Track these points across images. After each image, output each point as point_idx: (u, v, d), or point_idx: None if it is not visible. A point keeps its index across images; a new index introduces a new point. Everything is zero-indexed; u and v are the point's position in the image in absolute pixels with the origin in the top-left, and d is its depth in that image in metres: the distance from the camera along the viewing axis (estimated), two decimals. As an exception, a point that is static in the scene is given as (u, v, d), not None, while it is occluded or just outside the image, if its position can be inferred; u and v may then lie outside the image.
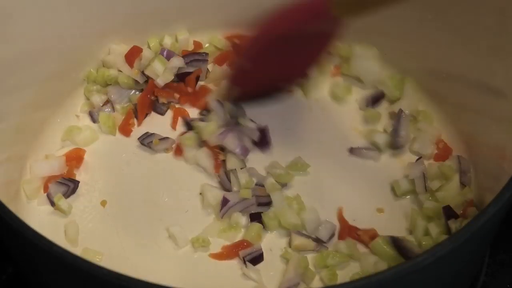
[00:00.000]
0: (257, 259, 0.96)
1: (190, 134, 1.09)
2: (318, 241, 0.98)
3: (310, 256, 0.97)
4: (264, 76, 1.04)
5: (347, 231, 0.99)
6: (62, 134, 1.11)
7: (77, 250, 0.98)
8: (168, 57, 1.14)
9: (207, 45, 1.21)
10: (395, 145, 1.08)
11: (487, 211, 0.69)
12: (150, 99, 1.13)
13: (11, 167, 1.01)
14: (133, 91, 1.15)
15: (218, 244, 0.99)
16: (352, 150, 1.09)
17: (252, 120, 1.10)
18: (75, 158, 1.07)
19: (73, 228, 0.99)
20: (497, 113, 0.97)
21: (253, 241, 0.98)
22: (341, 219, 1.01)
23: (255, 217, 1.00)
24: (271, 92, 1.12)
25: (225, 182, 1.04)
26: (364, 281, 0.64)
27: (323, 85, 1.17)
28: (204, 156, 1.06)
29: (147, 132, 1.11)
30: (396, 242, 0.95)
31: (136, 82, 1.14)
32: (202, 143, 1.07)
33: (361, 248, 0.98)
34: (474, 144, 1.04)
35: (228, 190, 1.03)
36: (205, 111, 1.12)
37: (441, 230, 0.96)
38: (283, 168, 1.05)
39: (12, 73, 0.98)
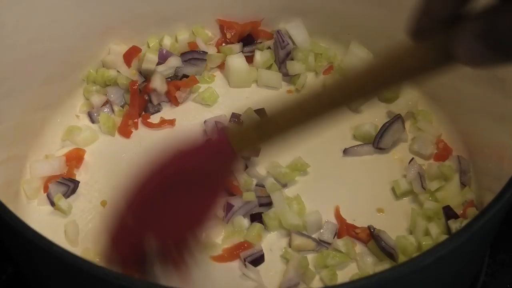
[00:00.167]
0: (258, 260, 0.97)
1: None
2: (318, 241, 0.98)
3: (310, 256, 0.97)
4: (152, 231, 0.80)
5: (345, 229, 0.99)
6: (62, 134, 1.11)
7: (77, 250, 0.98)
8: (166, 58, 1.14)
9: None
10: (375, 145, 1.08)
11: (487, 211, 0.69)
12: (144, 99, 1.14)
13: (11, 167, 1.01)
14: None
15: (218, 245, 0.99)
16: (346, 151, 1.09)
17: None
18: (75, 158, 1.07)
19: (73, 228, 0.99)
20: (497, 113, 0.97)
21: (254, 241, 0.98)
22: (339, 217, 1.01)
23: (256, 217, 1.00)
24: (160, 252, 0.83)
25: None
26: (364, 281, 0.64)
27: (318, 83, 1.18)
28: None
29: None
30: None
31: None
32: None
33: (361, 248, 0.98)
34: (474, 144, 1.04)
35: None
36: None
37: (441, 230, 0.96)
38: (283, 168, 1.05)
39: (12, 73, 0.98)
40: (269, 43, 1.20)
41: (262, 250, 0.97)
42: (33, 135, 1.07)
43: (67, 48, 1.08)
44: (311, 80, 1.19)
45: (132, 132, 1.12)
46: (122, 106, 1.14)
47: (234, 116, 1.11)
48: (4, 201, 0.72)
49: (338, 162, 1.08)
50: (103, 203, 1.04)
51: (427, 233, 0.97)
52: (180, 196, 0.79)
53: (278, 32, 1.18)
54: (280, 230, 1.00)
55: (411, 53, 0.63)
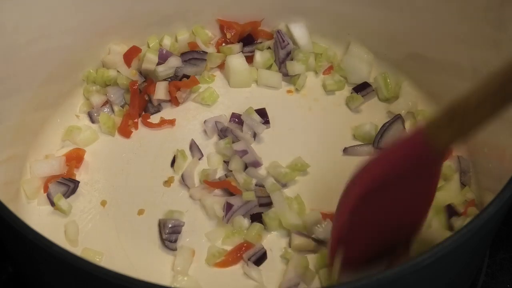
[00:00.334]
0: (261, 259, 0.97)
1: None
2: (318, 241, 0.98)
3: (310, 256, 0.97)
4: (374, 233, 0.85)
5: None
6: (62, 134, 1.11)
7: (77, 250, 0.98)
8: (166, 58, 1.14)
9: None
10: (375, 145, 1.09)
11: (487, 211, 0.69)
12: (144, 99, 1.14)
13: (11, 167, 1.01)
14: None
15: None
16: (346, 150, 1.09)
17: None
18: (75, 158, 1.07)
19: (73, 228, 1.00)
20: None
21: (254, 241, 0.98)
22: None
23: (256, 217, 1.00)
24: (383, 253, 0.87)
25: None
26: (364, 281, 0.64)
27: (318, 82, 1.19)
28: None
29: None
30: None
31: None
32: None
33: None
34: (474, 144, 1.04)
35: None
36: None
37: (442, 227, 0.96)
38: (283, 168, 1.05)
39: (12, 73, 0.98)
40: (269, 43, 1.20)
41: (263, 248, 0.97)
42: (33, 135, 1.07)
43: (67, 48, 1.08)
44: (311, 80, 1.19)
45: (132, 132, 1.12)
46: (122, 106, 1.14)
47: (234, 116, 1.12)
48: (4, 201, 0.72)
49: (338, 162, 1.08)
50: (103, 203, 1.04)
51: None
52: (391, 207, 0.81)
53: (278, 32, 1.18)
54: (280, 230, 1.00)
55: None
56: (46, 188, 1.03)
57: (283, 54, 1.17)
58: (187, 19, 1.19)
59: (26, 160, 1.05)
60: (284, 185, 1.05)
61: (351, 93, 1.16)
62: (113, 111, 1.14)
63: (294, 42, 1.19)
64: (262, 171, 1.06)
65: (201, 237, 0.99)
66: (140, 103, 1.13)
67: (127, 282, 0.64)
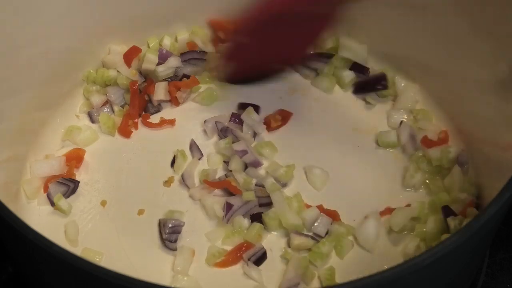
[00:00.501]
0: (261, 259, 0.97)
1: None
2: (317, 239, 0.98)
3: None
4: (260, 54, 1.03)
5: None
6: (62, 134, 1.11)
7: (77, 250, 0.98)
8: (166, 58, 1.14)
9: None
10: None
11: (487, 211, 0.69)
12: (144, 99, 1.14)
13: (11, 167, 1.01)
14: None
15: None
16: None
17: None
18: (75, 158, 1.07)
19: (73, 228, 1.00)
20: (497, 113, 0.97)
21: (254, 241, 0.98)
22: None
23: (256, 217, 1.00)
24: (266, 72, 1.11)
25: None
26: (364, 281, 0.64)
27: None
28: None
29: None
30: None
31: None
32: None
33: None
34: (474, 144, 1.04)
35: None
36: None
37: (438, 227, 0.97)
38: (283, 168, 1.05)
39: (13, 74, 0.98)
40: None
41: (263, 248, 0.97)
42: (33, 135, 1.07)
43: (67, 49, 1.08)
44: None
45: (132, 132, 1.12)
46: (122, 106, 1.14)
47: (234, 116, 1.12)
48: (4, 201, 0.72)
49: (338, 162, 1.08)
50: (103, 203, 1.04)
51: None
52: (284, 27, 0.94)
53: None
54: (280, 230, 1.00)
55: None
56: (46, 188, 1.04)
57: None
58: (187, 19, 1.19)
59: (26, 160, 1.05)
60: (284, 185, 1.05)
61: (354, 93, 1.17)
62: (113, 111, 1.14)
63: None
64: (262, 171, 1.06)
65: (201, 237, 0.99)
66: (140, 103, 1.13)
67: (127, 282, 0.64)
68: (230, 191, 1.02)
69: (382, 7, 1.11)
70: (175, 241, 0.98)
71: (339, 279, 0.95)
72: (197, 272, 0.96)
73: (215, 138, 1.11)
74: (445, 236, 0.95)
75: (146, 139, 1.12)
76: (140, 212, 1.02)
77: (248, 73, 1.09)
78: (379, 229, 0.99)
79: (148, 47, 1.18)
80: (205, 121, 1.12)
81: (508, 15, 0.93)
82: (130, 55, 1.15)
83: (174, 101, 1.15)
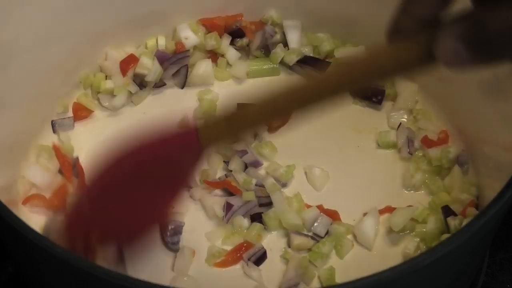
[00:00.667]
0: (261, 259, 0.97)
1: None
2: (317, 238, 0.98)
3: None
4: (110, 220, 0.82)
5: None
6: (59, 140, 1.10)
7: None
8: (160, 58, 1.14)
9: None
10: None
11: (487, 211, 0.69)
12: None
13: (10, 168, 1.01)
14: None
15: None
16: None
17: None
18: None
19: None
20: (497, 112, 0.97)
21: (254, 241, 0.98)
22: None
23: (256, 217, 1.00)
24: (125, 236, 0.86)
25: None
26: (364, 281, 0.64)
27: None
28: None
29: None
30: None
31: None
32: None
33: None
34: (474, 144, 1.04)
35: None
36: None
37: (438, 227, 0.96)
38: (283, 168, 1.05)
39: (5, 84, 0.98)
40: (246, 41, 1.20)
41: (263, 248, 0.97)
42: (33, 135, 1.07)
43: (63, 53, 1.08)
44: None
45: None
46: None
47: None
48: (4, 201, 0.72)
49: (338, 162, 1.08)
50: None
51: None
52: (141, 186, 0.81)
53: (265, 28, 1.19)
54: (280, 230, 1.00)
55: (390, 52, 0.65)
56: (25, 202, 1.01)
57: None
58: (187, 19, 1.19)
59: (25, 161, 1.05)
60: (284, 185, 1.05)
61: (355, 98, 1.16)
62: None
63: (284, 40, 1.20)
64: (262, 171, 1.06)
65: (201, 237, 0.99)
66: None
67: (127, 282, 0.64)
68: (230, 191, 1.02)
69: (382, 7, 1.11)
70: (177, 242, 0.98)
71: (339, 279, 0.95)
72: (197, 272, 0.96)
73: (215, 138, 1.11)
74: (445, 236, 0.95)
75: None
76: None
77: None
78: (378, 227, 0.99)
79: (146, 48, 1.18)
80: (205, 121, 1.12)
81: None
82: (127, 64, 1.14)
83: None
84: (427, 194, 1.04)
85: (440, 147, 1.05)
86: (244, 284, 0.95)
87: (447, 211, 0.97)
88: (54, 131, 1.10)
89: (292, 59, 1.17)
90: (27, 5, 0.97)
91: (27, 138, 1.05)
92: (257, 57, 1.20)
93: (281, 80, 1.19)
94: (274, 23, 1.20)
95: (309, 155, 1.08)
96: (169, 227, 0.98)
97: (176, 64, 1.16)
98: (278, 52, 1.18)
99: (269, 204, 1.01)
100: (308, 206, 1.01)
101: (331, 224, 0.99)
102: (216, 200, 1.02)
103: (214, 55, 1.20)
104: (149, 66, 1.13)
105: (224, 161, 1.07)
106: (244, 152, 1.05)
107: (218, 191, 1.04)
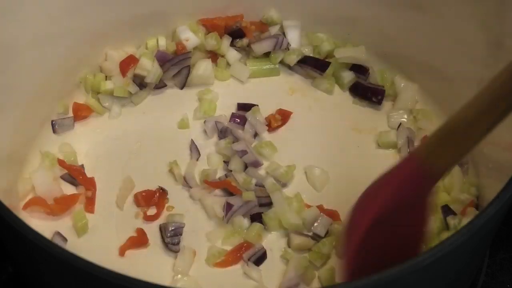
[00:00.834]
0: (261, 259, 0.97)
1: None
2: (316, 238, 0.98)
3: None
4: (375, 260, 0.81)
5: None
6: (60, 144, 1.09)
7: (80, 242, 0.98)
8: (161, 58, 1.14)
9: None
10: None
11: (487, 211, 0.69)
12: None
13: (11, 170, 1.01)
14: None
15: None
16: None
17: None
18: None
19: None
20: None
21: (254, 241, 0.98)
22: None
23: (256, 217, 1.00)
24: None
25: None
26: (364, 281, 0.64)
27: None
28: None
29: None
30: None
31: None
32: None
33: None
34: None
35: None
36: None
37: (437, 226, 0.96)
38: (283, 168, 1.05)
39: (13, 72, 0.98)
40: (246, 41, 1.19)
41: (263, 248, 0.97)
42: (33, 135, 1.07)
43: (63, 54, 1.07)
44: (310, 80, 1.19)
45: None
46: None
47: (234, 116, 1.12)
48: (4, 201, 0.72)
49: (338, 162, 1.08)
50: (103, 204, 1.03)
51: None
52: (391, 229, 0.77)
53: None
54: (280, 230, 1.00)
55: None
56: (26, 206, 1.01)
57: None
58: (187, 19, 1.19)
59: (25, 162, 1.05)
60: (284, 185, 1.05)
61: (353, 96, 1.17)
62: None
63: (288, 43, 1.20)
64: (262, 171, 1.06)
65: (201, 237, 0.99)
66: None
67: (127, 282, 0.64)
68: (230, 191, 1.02)
69: (382, 7, 1.11)
70: (178, 243, 0.98)
71: (339, 279, 0.95)
72: (197, 272, 0.96)
73: (215, 138, 1.11)
74: (445, 235, 0.95)
75: (146, 139, 1.11)
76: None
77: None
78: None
79: (146, 48, 1.18)
80: (205, 121, 1.12)
81: (507, 13, 0.93)
82: (127, 64, 1.14)
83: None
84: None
85: None
86: (244, 284, 0.95)
87: (446, 211, 0.97)
88: (54, 131, 1.10)
89: (293, 59, 1.17)
90: (27, 5, 0.97)
91: (27, 138, 1.06)
92: (256, 58, 1.20)
93: (281, 80, 1.19)
94: (274, 23, 1.20)
95: (309, 155, 1.08)
96: (170, 228, 0.98)
97: (177, 65, 1.16)
98: (278, 52, 1.18)
99: (269, 204, 1.01)
100: (308, 206, 1.01)
101: (331, 224, 0.99)
102: (216, 200, 1.02)
103: (214, 55, 1.20)
104: (148, 68, 1.13)
105: (224, 161, 1.07)
106: (244, 152, 1.05)
107: (218, 191, 1.04)
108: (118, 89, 1.13)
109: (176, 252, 0.97)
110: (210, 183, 1.03)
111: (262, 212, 1.00)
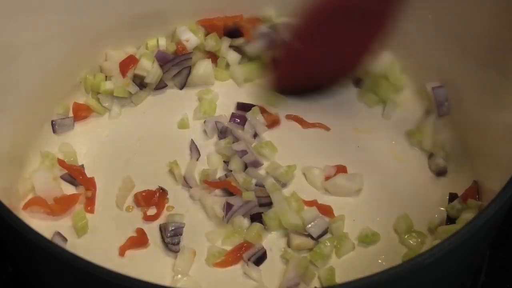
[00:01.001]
0: (261, 259, 0.97)
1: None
2: (316, 238, 0.98)
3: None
4: (314, 62, 0.93)
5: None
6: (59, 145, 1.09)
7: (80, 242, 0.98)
8: (161, 59, 1.14)
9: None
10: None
11: (487, 211, 0.69)
12: None
13: (11, 170, 1.01)
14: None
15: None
16: None
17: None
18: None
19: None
20: (496, 111, 0.97)
21: (254, 241, 0.98)
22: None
23: (256, 217, 1.00)
24: (318, 85, 1.00)
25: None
26: (364, 281, 0.64)
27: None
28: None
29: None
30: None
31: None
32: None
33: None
34: (474, 144, 1.04)
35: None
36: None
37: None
38: (282, 168, 1.05)
39: (13, 73, 0.98)
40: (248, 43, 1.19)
41: (263, 248, 0.97)
42: (32, 136, 1.07)
43: (63, 53, 1.07)
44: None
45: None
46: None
47: (234, 116, 1.12)
48: (4, 201, 0.72)
49: (339, 162, 1.08)
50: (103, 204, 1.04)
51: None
52: (340, 31, 0.86)
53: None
54: (280, 230, 1.00)
55: None
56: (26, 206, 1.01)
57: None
58: (187, 19, 1.19)
59: (25, 162, 1.05)
60: (284, 185, 1.05)
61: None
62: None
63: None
64: (262, 171, 1.06)
65: (201, 237, 0.99)
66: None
67: (127, 282, 0.64)
68: (230, 191, 1.02)
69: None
70: (178, 243, 0.98)
71: (339, 279, 0.95)
72: (197, 272, 0.96)
73: (215, 138, 1.11)
74: (446, 227, 0.96)
75: (146, 139, 1.12)
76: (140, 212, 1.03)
77: (300, 83, 0.99)
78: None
79: (146, 48, 1.18)
80: (205, 121, 1.12)
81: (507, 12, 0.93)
82: (127, 64, 1.14)
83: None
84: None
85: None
86: (244, 284, 0.95)
87: (451, 196, 0.99)
88: (54, 131, 1.10)
89: None
90: (27, 5, 0.97)
91: (27, 138, 1.06)
92: (253, 59, 1.19)
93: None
94: (272, 22, 1.20)
95: (309, 155, 1.08)
96: (170, 228, 0.98)
97: (178, 66, 1.16)
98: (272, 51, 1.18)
99: (269, 204, 1.01)
100: (307, 204, 1.01)
101: (331, 224, 0.99)
102: (216, 200, 1.02)
103: (213, 55, 1.20)
104: (148, 68, 1.13)
105: (224, 161, 1.07)
106: (244, 152, 1.05)
107: (218, 191, 1.04)
108: (118, 89, 1.13)
109: (176, 252, 0.97)
110: (210, 183, 1.03)
111: (262, 212, 1.00)
